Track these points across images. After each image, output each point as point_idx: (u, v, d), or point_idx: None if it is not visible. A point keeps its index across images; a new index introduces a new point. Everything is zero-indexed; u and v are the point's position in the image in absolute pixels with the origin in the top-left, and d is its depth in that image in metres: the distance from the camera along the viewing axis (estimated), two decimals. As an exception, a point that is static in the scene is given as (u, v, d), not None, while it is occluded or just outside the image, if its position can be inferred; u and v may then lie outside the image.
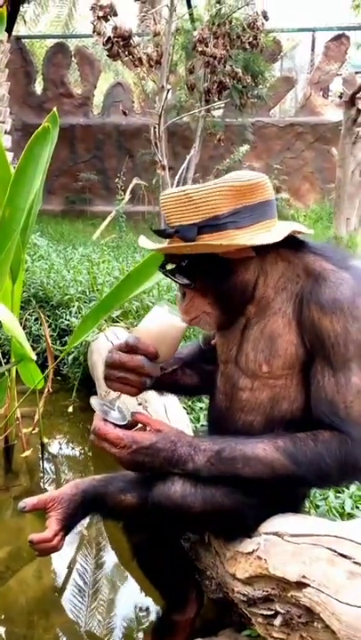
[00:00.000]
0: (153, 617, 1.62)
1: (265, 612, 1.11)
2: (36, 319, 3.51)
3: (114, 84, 12.09)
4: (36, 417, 2.49)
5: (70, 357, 3.05)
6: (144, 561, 1.43)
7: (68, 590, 1.73)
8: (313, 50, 12.13)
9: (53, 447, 2.69)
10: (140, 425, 1.24)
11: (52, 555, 1.46)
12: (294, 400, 1.19)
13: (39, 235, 5.80)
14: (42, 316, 2.81)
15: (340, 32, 10.97)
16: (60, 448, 2.71)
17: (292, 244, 1.19)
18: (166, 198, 1.14)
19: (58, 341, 3.35)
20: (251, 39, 6.05)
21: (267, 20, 6.12)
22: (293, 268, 1.17)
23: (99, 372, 2.55)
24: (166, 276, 1.23)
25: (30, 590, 1.71)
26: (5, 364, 2.41)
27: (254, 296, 1.20)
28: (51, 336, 3.07)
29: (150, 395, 2.00)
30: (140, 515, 1.27)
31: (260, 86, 8.63)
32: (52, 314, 3.51)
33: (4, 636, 1.53)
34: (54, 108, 2.29)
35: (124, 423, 1.21)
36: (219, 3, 5.94)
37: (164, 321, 1.19)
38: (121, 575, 1.83)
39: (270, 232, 1.15)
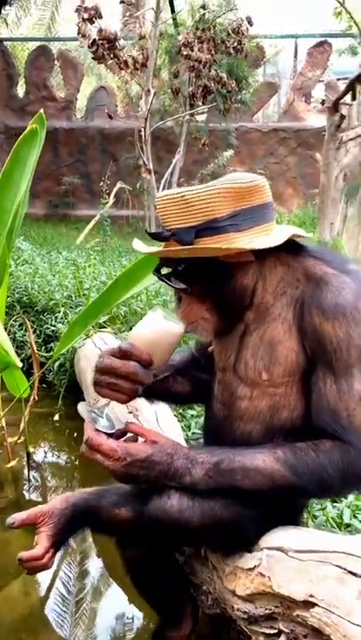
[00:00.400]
0: (145, 628, 1.57)
1: (267, 631, 1.06)
2: (21, 325, 3.44)
3: (97, 88, 12.05)
4: (22, 426, 2.42)
5: (56, 364, 2.98)
6: (138, 576, 1.37)
7: (56, 607, 1.66)
8: (296, 56, 12.22)
9: (39, 456, 2.62)
10: (129, 434, 1.19)
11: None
12: (294, 408, 1.15)
13: (22, 239, 5.71)
14: (27, 321, 2.74)
15: (323, 39, 11.07)
16: (46, 457, 2.64)
17: (292, 247, 1.15)
18: (163, 200, 1.10)
19: (43, 347, 3.28)
20: (235, 44, 6.05)
21: (251, 25, 6.13)
22: (293, 273, 1.14)
23: (87, 378, 2.50)
24: (162, 280, 1.18)
25: (18, 607, 1.64)
26: (-11, 371, 2.33)
27: (253, 301, 1.16)
28: (35, 342, 3.00)
29: (141, 403, 1.95)
30: (135, 529, 1.22)
31: (244, 91, 8.67)
32: (36, 319, 3.43)
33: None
34: (41, 110, 2.23)
35: (113, 432, 1.16)
36: (203, 8, 5.93)
37: (159, 327, 1.14)
38: (110, 588, 1.77)
39: (270, 235, 1.11)
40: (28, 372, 2.63)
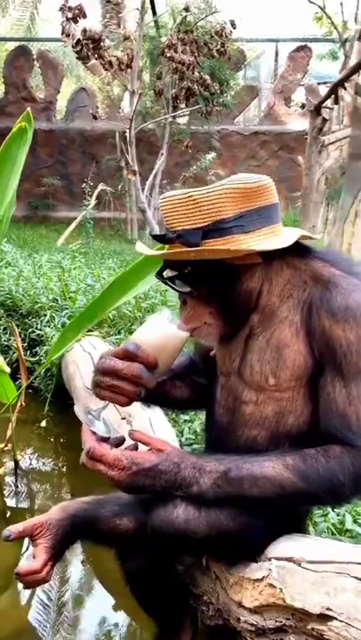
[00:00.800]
0: (131, 636, 1.54)
1: (276, 644, 1.03)
2: (5, 329, 3.36)
3: (78, 89, 11.97)
4: (9, 432, 2.36)
5: (39, 370, 2.92)
6: (138, 588, 1.33)
7: (48, 621, 1.61)
8: (276, 60, 12.32)
9: (26, 463, 2.56)
10: (131, 442, 1.15)
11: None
12: (301, 414, 1.12)
13: (6, 240, 5.62)
14: (14, 326, 2.67)
15: (303, 43, 11.17)
16: (34, 464, 2.58)
17: (298, 250, 1.13)
18: (167, 201, 1.06)
19: (28, 352, 3.21)
20: (219, 46, 6.05)
21: (234, 28, 6.14)
22: (300, 275, 1.11)
23: (76, 383, 2.45)
24: (165, 283, 1.15)
25: (9, 624, 1.58)
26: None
27: (258, 304, 1.14)
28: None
29: (135, 409, 1.92)
30: (136, 540, 1.19)
31: (226, 94, 8.70)
32: (21, 323, 3.36)
33: None
34: (28, 109, 2.19)
35: (108, 436, 1.12)
36: (187, 10, 5.92)
37: (165, 330, 1.11)
38: (96, 596, 1.74)
39: (278, 237, 1.09)
40: (12, 377, 2.56)
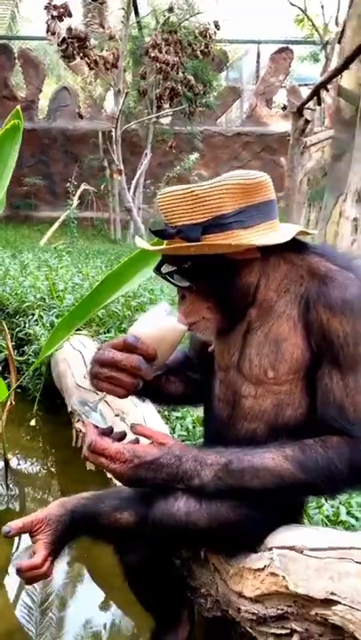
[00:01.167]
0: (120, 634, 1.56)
1: (278, 631, 1.05)
2: (-8, 328, 3.34)
3: (59, 89, 11.91)
4: (-1, 431, 2.34)
5: (31, 368, 2.91)
6: (136, 582, 1.34)
7: (42, 620, 1.61)
8: (258, 61, 12.41)
9: (16, 462, 2.54)
10: (134, 436, 1.17)
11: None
12: (298, 406, 1.15)
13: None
14: (3, 325, 2.66)
15: (285, 45, 11.27)
16: (24, 463, 2.56)
17: (295, 245, 1.15)
18: (167, 196, 1.08)
19: (15, 351, 3.19)
20: (202, 47, 6.08)
21: (218, 29, 6.18)
22: (297, 270, 1.13)
23: (67, 381, 2.44)
24: (164, 278, 1.16)
25: (3, 623, 1.57)
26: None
27: (256, 299, 1.16)
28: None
29: (128, 406, 1.92)
30: (137, 534, 1.19)
31: (208, 95, 8.74)
32: (8, 322, 3.34)
33: None
34: (18, 106, 2.18)
35: (104, 427, 1.14)
36: (170, 10, 5.94)
37: (164, 322, 1.12)
38: (98, 596, 1.74)
39: (276, 232, 1.11)
40: (0, 377, 2.55)
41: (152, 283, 3.70)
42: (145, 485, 1.11)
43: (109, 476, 1.84)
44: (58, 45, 4.37)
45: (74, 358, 2.50)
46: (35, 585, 1.73)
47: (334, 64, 7.57)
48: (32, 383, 2.97)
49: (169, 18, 6.45)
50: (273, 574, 1.03)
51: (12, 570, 1.78)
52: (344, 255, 1.18)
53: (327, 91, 6.28)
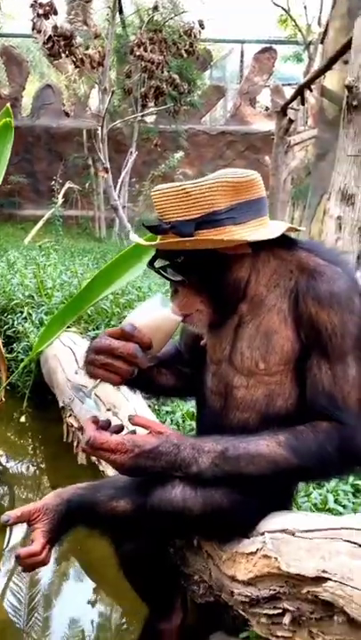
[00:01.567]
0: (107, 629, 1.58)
1: (270, 612, 1.09)
2: (-21, 326, 3.34)
3: (43, 87, 11.85)
4: (-11, 428, 2.36)
5: (20, 365, 2.92)
6: (132, 571, 1.38)
7: (31, 610, 1.63)
8: (242, 61, 12.47)
9: (5, 460, 2.56)
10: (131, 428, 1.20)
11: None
12: (289, 397, 1.19)
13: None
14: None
15: (268, 45, 11.35)
16: (14, 460, 2.58)
17: (284, 241, 1.20)
18: (161, 193, 1.11)
19: (4, 348, 3.19)
20: (187, 46, 6.12)
21: (203, 28, 6.22)
22: (286, 265, 1.18)
23: (58, 377, 2.46)
24: (157, 273, 1.20)
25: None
26: None
27: (246, 294, 1.19)
28: (-2, 343, 2.92)
29: (120, 400, 1.96)
30: (133, 522, 1.23)
31: (193, 94, 8.79)
32: (-5, 320, 3.35)
33: None
34: (8, 104, 2.20)
35: (98, 413, 1.17)
36: (156, 9, 5.96)
37: (159, 312, 1.17)
38: (90, 587, 1.77)
39: (266, 228, 1.15)
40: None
41: (140, 280, 3.73)
42: (144, 474, 1.14)
43: (102, 469, 1.89)
44: (44, 43, 4.38)
45: (64, 354, 2.53)
46: (26, 576, 1.76)
47: (317, 64, 7.66)
48: (21, 380, 2.98)
49: (153, 17, 6.47)
50: (265, 557, 1.07)
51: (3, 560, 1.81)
52: (332, 251, 1.22)
53: (311, 91, 6.35)
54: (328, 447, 1.06)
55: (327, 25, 6.00)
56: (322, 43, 8.47)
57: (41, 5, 4.14)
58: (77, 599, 1.73)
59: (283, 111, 6.92)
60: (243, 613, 1.22)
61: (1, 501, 2.25)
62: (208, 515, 1.15)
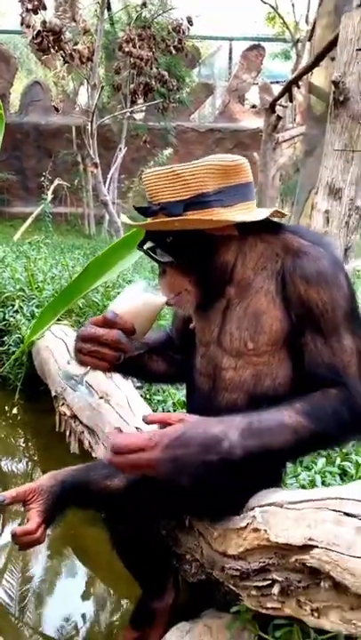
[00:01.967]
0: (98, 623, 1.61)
1: (260, 584, 1.13)
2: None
3: (31, 83, 11.81)
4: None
5: (16, 354, 2.94)
6: (125, 551, 1.42)
7: (23, 595, 1.66)
8: (230, 58, 12.51)
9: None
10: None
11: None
12: (276, 377, 1.21)
13: None
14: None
15: (256, 42, 11.40)
16: (6, 451, 2.60)
17: (271, 226, 1.23)
18: (151, 175, 1.14)
19: (-6, 341, 3.21)
20: (176, 43, 6.14)
21: (191, 25, 6.24)
22: (272, 248, 1.21)
23: (50, 368, 2.49)
24: (146, 254, 1.23)
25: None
26: None
27: (233, 277, 1.22)
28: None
29: (112, 388, 1.98)
30: (126, 500, 1.26)
31: (182, 91, 8.81)
32: (-14, 313, 3.35)
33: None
34: (-2, 98, 2.21)
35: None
36: (145, 5, 5.98)
37: (141, 298, 1.20)
38: (83, 572, 1.79)
39: (253, 212, 1.18)
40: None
41: (131, 274, 3.75)
42: (180, 467, 1.04)
43: (95, 456, 1.91)
44: (33, 39, 4.37)
45: (56, 345, 2.55)
46: (20, 561, 1.78)
47: (305, 61, 7.71)
48: (13, 373, 3.00)
49: (142, 13, 6.49)
50: (255, 530, 1.11)
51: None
52: (315, 233, 1.26)
53: (298, 88, 6.39)
54: (342, 410, 1.08)
55: (314, 22, 6.05)
56: (309, 40, 8.53)
57: (30, 0, 4.15)
58: (71, 583, 1.77)
59: (271, 108, 6.95)
60: (233, 588, 1.25)
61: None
62: (201, 493, 1.18)
